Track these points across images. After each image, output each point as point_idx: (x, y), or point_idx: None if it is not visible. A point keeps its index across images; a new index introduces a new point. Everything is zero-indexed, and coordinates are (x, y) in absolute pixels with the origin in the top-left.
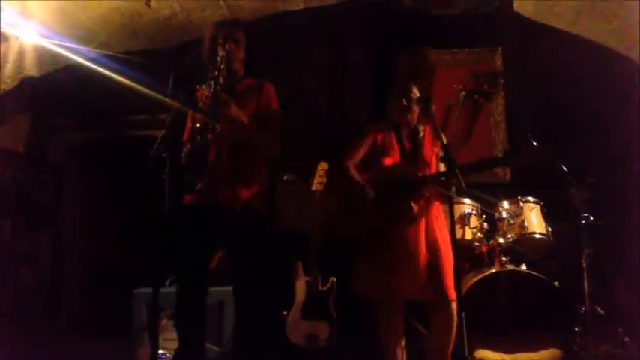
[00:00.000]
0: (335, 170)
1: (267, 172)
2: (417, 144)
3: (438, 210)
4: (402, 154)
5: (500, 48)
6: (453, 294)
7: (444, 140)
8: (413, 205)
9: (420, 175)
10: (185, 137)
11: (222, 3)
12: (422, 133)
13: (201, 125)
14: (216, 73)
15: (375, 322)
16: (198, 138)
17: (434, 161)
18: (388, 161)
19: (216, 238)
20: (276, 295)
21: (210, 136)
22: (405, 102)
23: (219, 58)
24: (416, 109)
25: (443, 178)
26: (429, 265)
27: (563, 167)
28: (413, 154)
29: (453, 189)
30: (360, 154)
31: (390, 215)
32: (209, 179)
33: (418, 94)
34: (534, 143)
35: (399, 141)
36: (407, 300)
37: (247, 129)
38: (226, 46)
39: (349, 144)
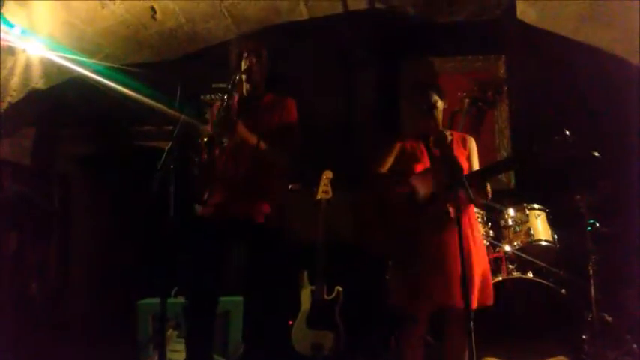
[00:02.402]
0: (341, 179)
1: (280, 185)
2: (445, 149)
3: (472, 216)
4: (432, 160)
5: (503, 55)
6: (475, 304)
7: (468, 145)
8: (450, 208)
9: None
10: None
11: (226, 14)
12: (450, 138)
13: (208, 139)
14: (229, 86)
15: (397, 334)
16: (210, 151)
17: (466, 165)
18: (419, 168)
19: (228, 251)
20: (283, 304)
21: (217, 151)
22: (426, 110)
23: (241, 72)
24: (438, 115)
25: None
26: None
27: (596, 154)
28: (442, 160)
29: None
30: (389, 162)
31: (426, 220)
32: (222, 192)
33: (439, 101)
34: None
35: (428, 148)
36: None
37: (256, 149)
38: (249, 61)
39: (377, 154)
